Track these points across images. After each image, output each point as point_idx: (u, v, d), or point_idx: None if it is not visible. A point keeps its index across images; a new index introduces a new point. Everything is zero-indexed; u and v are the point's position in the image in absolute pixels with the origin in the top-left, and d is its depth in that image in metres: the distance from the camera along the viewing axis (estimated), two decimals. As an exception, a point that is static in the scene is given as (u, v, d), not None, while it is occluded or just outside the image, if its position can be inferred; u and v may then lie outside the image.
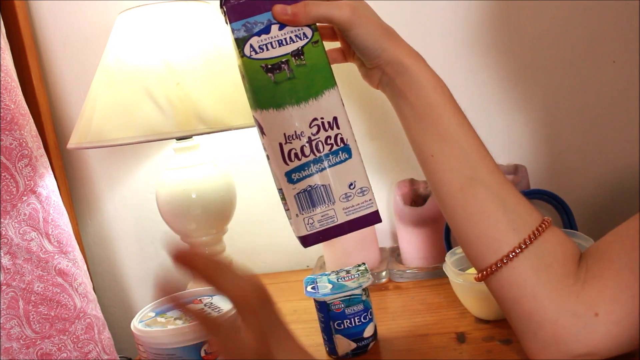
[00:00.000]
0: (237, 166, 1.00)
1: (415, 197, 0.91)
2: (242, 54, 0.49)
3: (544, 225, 0.51)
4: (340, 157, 0.50)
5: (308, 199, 0.50)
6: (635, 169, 0.91)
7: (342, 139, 0.50)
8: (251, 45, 0.49)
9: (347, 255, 0.86)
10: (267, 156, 0.52)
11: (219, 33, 0.79)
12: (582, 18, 0.88)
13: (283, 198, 0.51)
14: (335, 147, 0.50)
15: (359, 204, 0.51)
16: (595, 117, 0.91)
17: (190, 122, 0.72)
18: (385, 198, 0.99)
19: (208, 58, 0.76)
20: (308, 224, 0.50)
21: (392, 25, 0.86)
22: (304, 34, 0.50)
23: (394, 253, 0.95)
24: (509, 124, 0.94)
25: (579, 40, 0.89)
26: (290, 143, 0.49)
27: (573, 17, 0.89)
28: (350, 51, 0.57)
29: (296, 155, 0.49)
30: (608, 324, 0.47)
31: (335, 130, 0.50)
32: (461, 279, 0.68)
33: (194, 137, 0.83)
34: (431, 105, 0.53)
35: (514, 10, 0.90)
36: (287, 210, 0.51)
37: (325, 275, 0.70)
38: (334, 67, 0.53)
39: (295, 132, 0.49)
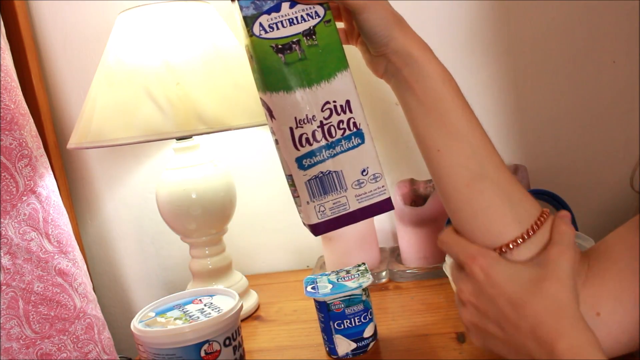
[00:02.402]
0: (237, 166, 1.00)
1: (415, 197, 0.91)
2: (250, 33, 0.46)
3: (543, 218, 0.51)
4: (353, 142, 0.49)
5: (319, 186, 0.48)
6: (636, 169, 0.91)
7: (354, 124, 0.49)
8: (260, 24, 0.47)
9: (347, 255, 0.86)
10: (276, 141, 0.50)
11: (219, 33, 0.79)
12: (582, 18, 0.88)
13: (292, 185, 0.49)
14: (348, 132, 0.48)
15: (371, 191, 0.49)
16: (595, 117, 0.91)
17: (190, 122, 0.72)
18: (385, 198, 0.99)
19: (208, 58, 0.76)
20: (319, 212, 0.48)
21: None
22: (315, 12, 0.47)
23: (394, 253, 0.95)
24: (509, 124, 0.94)
25: (579, 40, 0.89)
26: (302, 127, 0.47)
27: (573, 17, 0.89)
28: (354, 34, 0.55)
29: (307, 140, 0.47)
30: (610, 324, 0.47)
31: (348, 114, 0.48)
32: (461, 279, 0.68)
33: (194, 137, 0.83)
34: (439, 98, 0.51)
35: (514, 10, 0.90)
36: (296, 197, 0.50)
37: (325, 275, 0.71)
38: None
39: (306, 116, 0.47)
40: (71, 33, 1.01)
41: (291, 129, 0.47)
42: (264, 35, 0.47)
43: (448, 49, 0.92)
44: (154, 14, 0.77)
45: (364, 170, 0.49)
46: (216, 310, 0.63)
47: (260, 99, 0.50)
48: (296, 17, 0.47)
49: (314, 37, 0.47)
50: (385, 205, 0.50)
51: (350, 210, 0.49)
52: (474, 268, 0.43)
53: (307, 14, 0.47)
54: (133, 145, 0.90)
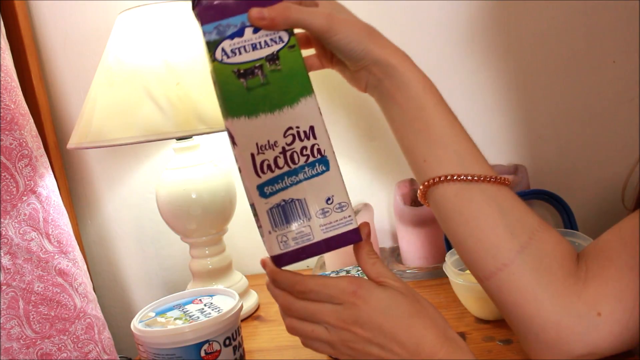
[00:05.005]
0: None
1: (415, 197, 0.91)
2: (213, 58, 0.46)
3: (540, 226, 0.51)
4: (317, 170, 0.46)
5: (282, 215, 0.46)
6: (636, 169, 0.90)
7: (319, 150, 0.46)
8: (223, 49, 0.46)
9: (347, 255, 0.86)
10: (239, 169, 0.49)
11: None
12: (582, 18, 0.88)
13: (255, 214, 0.47)
14: (311, 159, 0.46)
15: (337, 221, 0.47)
16: (595, 117, 0.91)
17: (190, 122, 0.72)
18: (385, 198, 0.99)
19: (208, 58, 0.76)
20: (281, 242, 0.46)
21: (390, 25, 0.85)
22: (279, 37, 0.47)
23: (394, 253, 0.95)
24: (509, 124, 0.94)
25: (579, 40, 0.89)
26: (263, 154, 0.46)
27: (573, 17, 0.88)
28: (327, 57, 0.55)
29: (269, 166, 0.46)
30: (611, 323, 0.47)
31: (312, 141, 0.46)
32: (461, 279, 0.68)
33: (194, 137, 0.83)
34: (421, 107, 0.51)
35: (514, 10, 0.90)
36: (259, 227, 0.47)
37: (326, 275, 0.70)
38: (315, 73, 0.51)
39: (268, 141, 0.46)
40: (71, 33, 1.01)
41: (252, 155, 0.46)
42: (226, 60, 0.46)
43: (448, 49, 0.92)
44: (154, 14, 0.77)
45: (329, 199, 0.47)
46: (216, 310, 0.63)
47: (225, 126, 0.49)
48: (259, 42, 0.46)
49: (277, 62, 0.46)
50: (352, 236, 0.47)
51: (315, 240, 0.46)
52: (356, 301, 0.44)
53: (271, 39, 0.47)
54: (133, 145, 0.90)
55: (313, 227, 0.46)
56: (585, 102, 0.91)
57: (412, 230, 0.87)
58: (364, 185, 0.99)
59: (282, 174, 0.46)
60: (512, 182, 0.86)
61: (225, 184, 0.83)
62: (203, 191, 0.80)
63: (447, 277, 0.71)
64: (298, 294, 0.46)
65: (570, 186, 0.93)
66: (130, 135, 0.72)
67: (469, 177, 0.50)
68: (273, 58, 0.46)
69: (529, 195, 0.83)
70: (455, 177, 0.50)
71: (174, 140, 0.83)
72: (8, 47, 0.94)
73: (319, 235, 0.46)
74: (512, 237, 0.49)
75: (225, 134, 1.03)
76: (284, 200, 0.46)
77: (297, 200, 0.46)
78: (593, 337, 0.47)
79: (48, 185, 0.88)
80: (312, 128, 0.46)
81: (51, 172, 0.91)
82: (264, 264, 0.48)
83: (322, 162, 0.47)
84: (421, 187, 0.53)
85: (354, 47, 0.49)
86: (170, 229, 0.86)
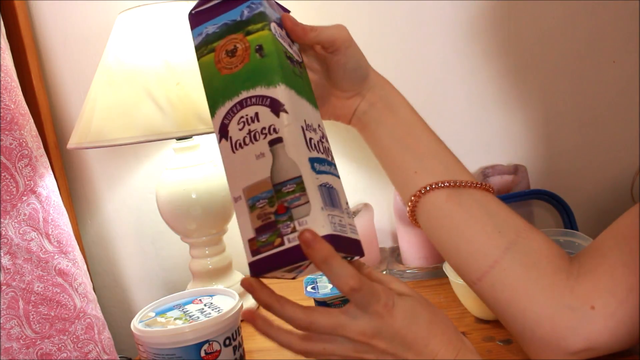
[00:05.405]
0: (237, 166, 1.00)
1: (415, 197, 0.91)
2: (268, 27, 0.44)
3: (526, 227, 0.52)
4: (336, 173, 0.46)
5: (329, 196, 0.42)
6: (635, 169, 0.91)
7: (333, 158, 0.47)
8: (275, 27, 0.46)
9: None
10: (276, 140, 0.42)
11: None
12: (582, 18, 0.88)
13: (299, 189, 0.40)
14: (333, 161, 0.46)
15: (353, 226, 0.45)
16: (595, 117, 0.91)
17: (190, 122, 0.72)
18: (385, 198, 0.99)
19: (208, 58, 0.76)
20: (332, 223, 0.40)
21: (391, 25, 0.86)
22: (298, 54, 0.49)
23: (394, 253, 0.95)
24: (509, 124, 0.94)
25: (579, 40, 0.89)
26: (309, 132, 0.43)
27: (573, 17, 0.89)
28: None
29: (314, 146, 0.43)
30: (605, 317, 0.47)
31: (330, 147, 0.47)
32: (461, 279, 0.68)
33: (194, 137, 0.83)
34: (412, 124, 0.55)
35: (514, 10, 0.90)
36: (300, 205, 0.40)
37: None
38: None
39: (312, 123, 0.44)
40: (71, 33, 1.01)
41: (302, 128, 0.43)
42: (277, 37, 0.46)
43: (448, 49, 0.92)
44: (154, 14, 0.77)
45: (346, 202, 0.46)
46: (216, 310, 0.63)
47: (257, 96, 0.43)
48: (290, 45, 0.48)
49: (301, 69, 0.48)
50: (359, 247, 0.45)
51: (347, 235, 0.43)
52: (384, 313, 0.41)
53: (295, 52, 0.49)
54: (133, 145, 0.90)
55: (345, 221, 0.43)
56: (586, 102, 0.91)
57: (412, 230, 0.87)
58: (364, 185, 0.99)
59: (323, 159, 0.44)
60: (512, 182, 0.87)
61: (225, 184, 0.83)
62: (203, 191, 0.80)
63: (447, 277, 0.71)
64: (349, 290, 0.40)
65: (570, 186, 0.93)
66: (130, 135, 0.72)
67: (458, 183, 0.53)
68: (300, 64, 0.48)
69: (529, 195, 0.83)
70: (445, 184, 0.53)
71: (174, 140, 0.83)
72: (8, 47, 0.94)
73: (348, 232, 0.43)
74: (500, 235, 0.51)
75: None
76: (327, 184, 0.43)
77: (335, 189, 0.44)
78: (588, 331, 0.48)
79: (48, 185, 0.88)
80: (326, 136, 0.48)
81: (51, 172, 0.91)
82: (313, 237, 0.38)
83: (336, 168, 0.46)
84: (412, 198, 0.55)
85: (363, 63, 0.53)
86: (170, 229, 0.86)
